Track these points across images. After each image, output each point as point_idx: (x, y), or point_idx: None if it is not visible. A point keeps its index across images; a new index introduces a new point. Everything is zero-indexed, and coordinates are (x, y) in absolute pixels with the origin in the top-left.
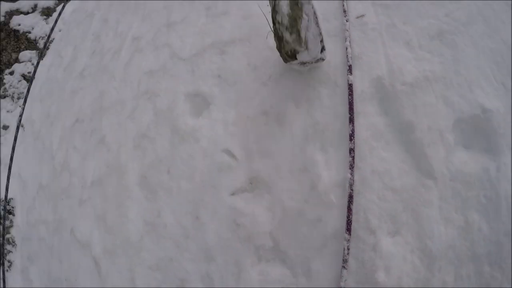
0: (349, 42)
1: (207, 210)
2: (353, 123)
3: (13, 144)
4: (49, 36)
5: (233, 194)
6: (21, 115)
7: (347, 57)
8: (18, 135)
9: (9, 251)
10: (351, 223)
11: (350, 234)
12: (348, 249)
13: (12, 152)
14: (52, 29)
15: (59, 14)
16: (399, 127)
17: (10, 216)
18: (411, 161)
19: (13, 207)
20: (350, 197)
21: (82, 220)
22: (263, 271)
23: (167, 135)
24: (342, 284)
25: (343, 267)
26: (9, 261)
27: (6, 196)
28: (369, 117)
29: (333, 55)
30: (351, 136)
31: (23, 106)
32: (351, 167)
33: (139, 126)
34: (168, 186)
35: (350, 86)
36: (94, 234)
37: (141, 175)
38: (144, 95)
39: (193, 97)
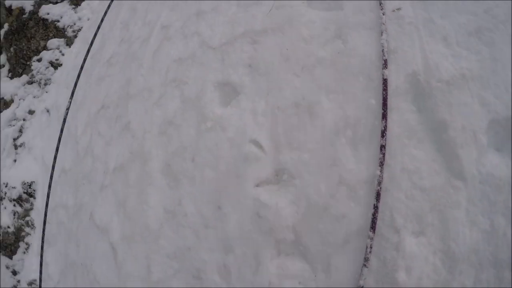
0: (385, 35)
1: (230, 200)
2: (386, 119)
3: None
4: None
5: (257, 185)
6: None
7: (382, 51)
8: (44, 119)
9: (28, 234)
10: (376, 221)
11: (374, 232)
12: (371, 247)
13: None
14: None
15: None
16: (432, 126)
17: (31, 199)
18: (442, 160)
19: (34, 190)
20: (378, 194)
21: (102, 205)
22: (282, 265)
23: (193, 123)
24: (361, 283)
25: (364, 265)
26: (27, 244)
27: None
28: (402, 113)
29: (368, 48)
30: (383, 132)
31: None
32: (381, 164)
33: (165, 113)
34: (191, 174)
35: (384, 81)
36: (113, 220)
37: (164, 162)
38: (172, 82)
39: (222, 86)
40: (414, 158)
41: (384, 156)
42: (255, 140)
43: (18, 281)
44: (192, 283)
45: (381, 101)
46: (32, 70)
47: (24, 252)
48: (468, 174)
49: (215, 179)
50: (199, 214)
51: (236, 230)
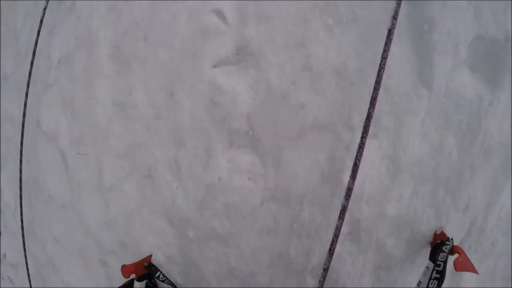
0: None
1: (184, 84)
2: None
3: None
4: None
5: (215, 66)
6: None
7: None
8: None
9: None
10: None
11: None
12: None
13: None
14: None
15: None
16: (419, 22)
17: None
18: (415, 62)
19: None
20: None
21: (48, 108)
22: (232, 158)
23: None
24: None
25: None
26: None
27: None
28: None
29: None
30: None
31: None
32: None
33: None
34: (143, 56)
35: None
36: (61, 123)
37: (113, 45)
38: None
39: None
40: (390, 53)
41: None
42: (219, 10)
43: None
44: (144, 183)
45: None
46: None
47: None
48: (435, 85)
49: (168, 59)
50: (150, 103)
51: (189, 120)
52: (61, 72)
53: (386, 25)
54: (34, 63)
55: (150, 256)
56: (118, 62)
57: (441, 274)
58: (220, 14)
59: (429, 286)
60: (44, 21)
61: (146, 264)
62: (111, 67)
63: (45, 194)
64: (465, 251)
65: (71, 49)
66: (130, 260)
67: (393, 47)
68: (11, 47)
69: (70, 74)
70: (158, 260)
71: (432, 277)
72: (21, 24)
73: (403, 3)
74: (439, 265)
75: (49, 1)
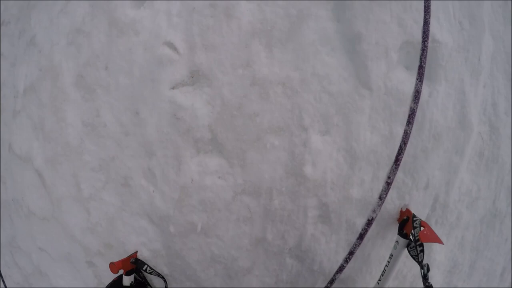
0: None
1: (147, 105)
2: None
3: None
4: None
5: (173, 88)
6: None
7: None
8: None
9: None
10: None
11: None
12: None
13: None
14: None
15: None
16: (348, 36)
17: None
18: (352, 69)
19: None
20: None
21: (18, 133)
22: (201, 162)
23: (104, 28)
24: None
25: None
26: None
27: None
28: (320, 21)
29: None
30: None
31: None
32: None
33: (72, 20)
34: (106, 82)
35: None
36: (33, 146)
37: (77, 74)
38: None
39: None
40: (326, 64)
41: None
42: (170, 42)
43: None
44: (122, 191)
45: (299, 6)
46: None
47: None
48: (374, 85)
49: (130, 85)
50: (118, 122)
51: (155, 134)
52: (28, 100)
53: (319, 42)
54: (0, 92)
55: (136, 252)
56: (83, 88)
57: (422, 246)
58: (171, 46)
59: (420, 259)
60: (5, 54)
61: (133, 260)
62: (77, 93)
63: (25, 210)
64: (432, 226)
65: (36, 78)
66: (116, 258)
67: (329, 59)
68: None
69: (37, 101)
70: (144, 255)
71: (418, 251)
72: None
73: (331, 23)
74: (418, 240)
75: (6, 32)
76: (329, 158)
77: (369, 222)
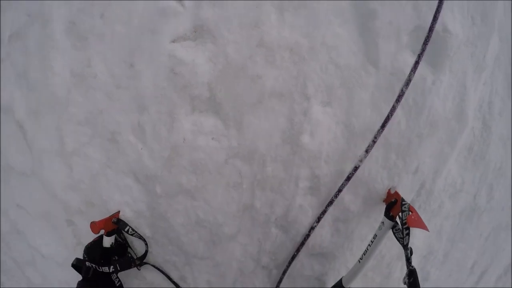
0: None
1: (143, 57)
2: None
3: None
4: None
5: (173, 41)
6: None
7: None
8: None
9: None
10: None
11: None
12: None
13: None
14: None
15: None
16: (363, 11)
17: None
18: (362, 45)
19: None
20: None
21: (1, 81)
22: (196, 121)
23: None
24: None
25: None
26: None
27: None
28: None
29: None
30: None
31: None
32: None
33: None
34: (100, 31)
35: None
36: (15, 96)
37: (68, 21)
38: None
39: None
40: (336, 35)
41: None
42: None
43: None
44: (108, 147)
45: None
46: None
47: None
48: (381, 64)
49: (127, 35)
50: (110, 74)
51: (150, 88)
52: (13, 48)
53: (333, 13)
54: None
55: (118, 212)
56: (74, 36)
57: (409, 229)
58: None
59: (405, 242)
60: None
61: (115, 220)
62: (67, 41)
63: (3, 163)
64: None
65: (23, 25)
66: (98, 218)
67: (340, 30)
68: None
69: (23, 49)
70: (126, 215)
71: (404, 234)
72: None
73: None
74: (405, 223)
75: None
76: (327, 130)
77: (356, 168)
